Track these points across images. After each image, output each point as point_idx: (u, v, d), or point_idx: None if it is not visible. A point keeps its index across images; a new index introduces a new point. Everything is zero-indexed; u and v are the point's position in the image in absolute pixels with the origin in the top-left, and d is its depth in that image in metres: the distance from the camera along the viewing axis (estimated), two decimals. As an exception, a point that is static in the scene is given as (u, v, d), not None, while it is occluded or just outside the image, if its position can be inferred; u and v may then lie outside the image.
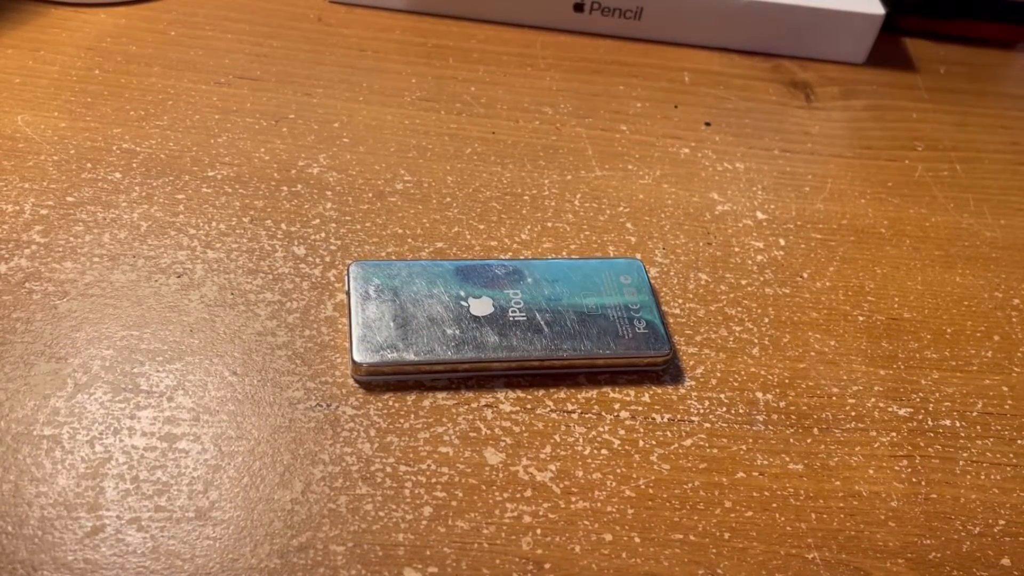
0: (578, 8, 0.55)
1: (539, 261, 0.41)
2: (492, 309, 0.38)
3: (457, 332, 0.37)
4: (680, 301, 0.41)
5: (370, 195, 0.44)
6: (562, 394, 0.37)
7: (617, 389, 0.37)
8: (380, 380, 0.36)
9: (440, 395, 0.36)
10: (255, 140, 0.45)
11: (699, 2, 0.55)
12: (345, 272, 0.40)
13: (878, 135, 0.53)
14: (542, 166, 0.47)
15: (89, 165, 0.43)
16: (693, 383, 0.38)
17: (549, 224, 0.44)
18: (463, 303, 0.38)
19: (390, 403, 0.35)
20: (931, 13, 0.59)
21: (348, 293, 0.38)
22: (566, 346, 0.37)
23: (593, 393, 0.37)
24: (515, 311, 0.38)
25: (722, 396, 0.38)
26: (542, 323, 0.38)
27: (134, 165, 0.43)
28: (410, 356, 0.36)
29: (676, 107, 0.52)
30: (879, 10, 0.55)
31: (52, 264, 0.38)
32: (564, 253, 0.43)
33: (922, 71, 0.58)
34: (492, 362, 0.37)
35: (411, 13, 0.55)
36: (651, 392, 0.38)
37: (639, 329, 0.38)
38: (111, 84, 0.47)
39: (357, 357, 0.36)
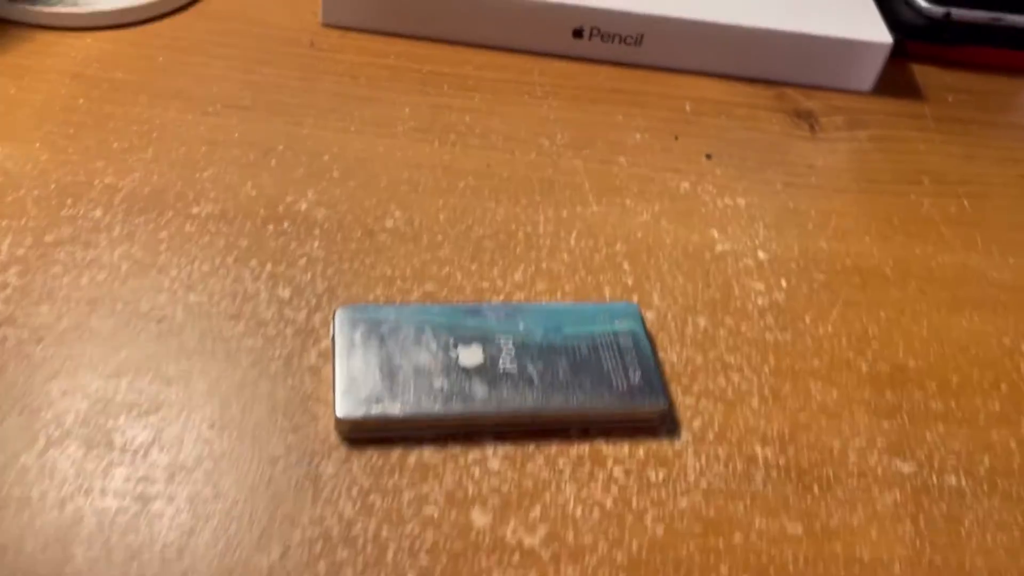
0: (577, 34, 0.54)
1: (532, 305, 0.39)
2: (482, 359, 0.37)
3: (445, 385, 0.36)
4: (677, 347, 0.40)
5: (359, 233, 0.43)
6: (552, 449, 0.36)
7: (610, 443, 0.36)
8: (364, 435, 0.35)
9: (426, 450, 0.35)
10: (242, 174, 0.44)
11: (701, 29, 0.53)
12: (331, 316, 0.38)
13: (884, 168, 0.51)
14: (537, 201, 0.46)
15: (70, 201, 0.41)
16: (690, 437, 0.37)
17: (543, 264, 0.43)
18: (452, 352, 0.37)
19: (373, 459, 0.34)
20: (939, 39, 0.57)
21: (333, 340, 0.37)
22: (558, 399, 0.36)
23: (585, 448, 0.36)
24: (505, 361, 0.37)
25: (719, 451, 0.36)
26: (533, 375, 0.36)
27: (116, 201, 0.42)
28: (395, 411, 0.35)
29: (676, 138, 0.51)
30: (887, 39, 0.54)
31: (28, 308, 0.37)
32: (558, 295, 0.42)
33: (930, 99, 0.57)
34: (481, 416, 0.35)
35: (406, 37, 0.54)
36: (646, 447, 0.36)
37: (634, 380, 0.37)
38: (95, 114, 0.46)
39: (340, 412, 0.34)
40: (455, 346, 0.37)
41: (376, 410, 0.34)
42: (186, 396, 0.35)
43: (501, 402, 0.35)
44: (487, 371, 0.36)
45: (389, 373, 0.36)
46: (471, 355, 0.37)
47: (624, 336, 0.38)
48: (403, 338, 0.37)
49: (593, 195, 0.47)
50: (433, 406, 0.35)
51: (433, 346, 0.37)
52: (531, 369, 0.37)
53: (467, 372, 0.36)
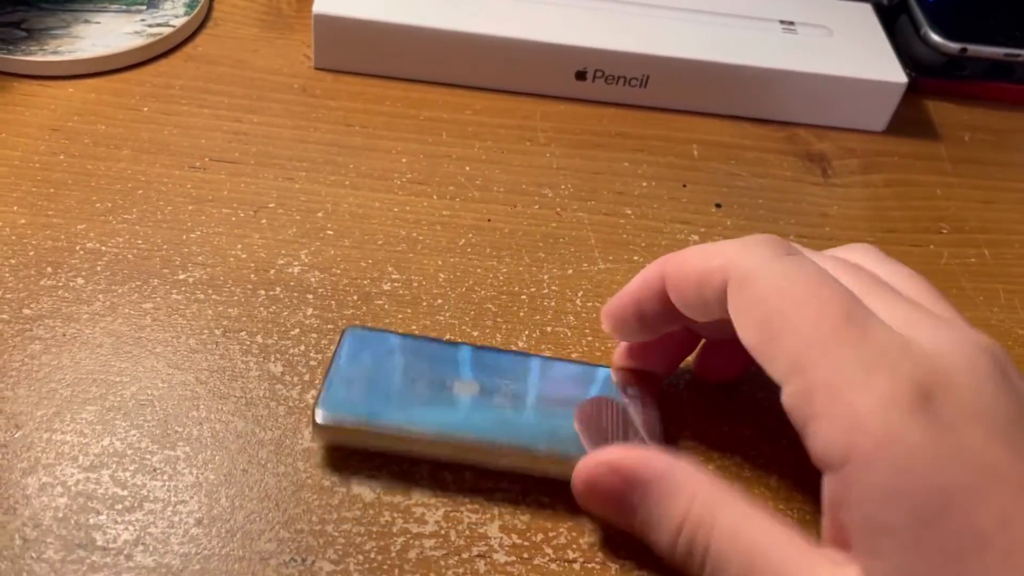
0: (580, 76, 0.52)
1: (544, 358, 0.38)
2: (478, 392, 0.35)
3: (435, 408, 0.34)
4: (690, 422, 0.38)
5: (355, 298, 0.40)
6: (562, 539, 0.34)
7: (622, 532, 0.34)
8: (340, 443, 0.34)
9: (427, 543, 0.33)
10: (231, 235, 0.42)
11: (709, 70, 0.51)
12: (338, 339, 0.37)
13: (900, 215, 0.49)
14: (541, 258, 0.44)
15: (49, 270, 0.39)
16: (706, 522, 0.35)
17: (548, 329, 0.41)
18: (448, 382, 0.35)
19: (372, 555, 0.32)
20: (955, 76, 0.56)
21: (335, 355, 0.36)
22: (543, 439, 0.34)
23: (597, 538, 0.34)
24: (501, 400, 0.35)
25: (738, 538, 0.34)
26: (529, 410, 0.35)
27: (98, 268, 0.40)
28: (377, 425, 0.33)
29: (685, 186, 0.49)
30: (901, 78, 0.52)
31: (5, 392, 0.35)
32: (565, 363, 0.39)
33: (946, 139, 0.55)
34: (467, 442, 0.34)
35: (403, 80, 0.52)
36: (660, 534, 0.34)
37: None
38: (77, 171, 0.44)
39: (320, 419, 0.33)
40: (453, 379, 0.36)
41: (357, 420, 0.33)
42: (172, 489, 0.33)
43: (485, 431, 0.34)
44: (482, 403, 0.35)
45: (381, 391, 0.35)
46: (467, 387, 0.36)
47: (633, 404, 0.36)
48: (404, 363, 0.36)
49: (599, 250, 0.45)
50: (418, 426, 0.34)
51: (430, 375, 0.36)
52: (524, 412, 0.35)
53: (461, 401, 0.35)
